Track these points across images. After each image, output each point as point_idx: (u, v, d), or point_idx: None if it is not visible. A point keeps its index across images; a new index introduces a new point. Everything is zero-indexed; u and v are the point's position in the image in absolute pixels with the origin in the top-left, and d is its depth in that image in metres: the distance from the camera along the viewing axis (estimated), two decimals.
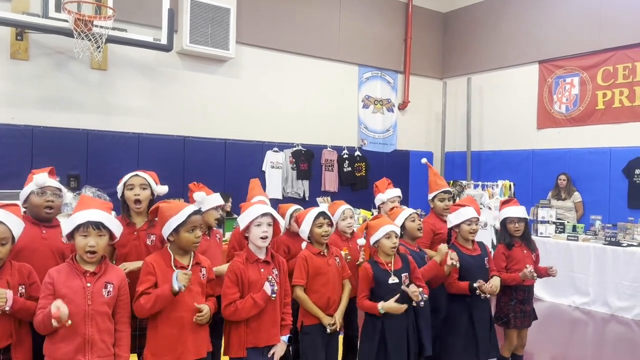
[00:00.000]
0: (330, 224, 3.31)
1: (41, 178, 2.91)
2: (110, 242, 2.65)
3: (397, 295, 3.15)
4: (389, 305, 3.14)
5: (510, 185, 8.12)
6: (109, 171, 6.41)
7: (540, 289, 7.23)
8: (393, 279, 3.22)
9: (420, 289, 3.18)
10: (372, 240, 3.28)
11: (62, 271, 2.50)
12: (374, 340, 3.19)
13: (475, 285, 3.45)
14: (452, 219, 3.68)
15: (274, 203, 4.29)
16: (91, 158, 6.86)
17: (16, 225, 2.53)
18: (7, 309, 2.36)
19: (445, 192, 4.20)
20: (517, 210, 3.93)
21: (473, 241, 3.70)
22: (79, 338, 2.43)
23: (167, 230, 2.74)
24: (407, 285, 3.21)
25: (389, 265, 3.27)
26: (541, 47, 9.08)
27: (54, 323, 2.31)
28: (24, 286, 2.53)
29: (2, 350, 2.47)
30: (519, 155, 9.31)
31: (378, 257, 3.28)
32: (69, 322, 2.35)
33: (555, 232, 7.34)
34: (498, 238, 4.13)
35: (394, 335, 3.19)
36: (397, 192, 4.37)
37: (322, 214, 3.29)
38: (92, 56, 6.09)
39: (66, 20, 5.82)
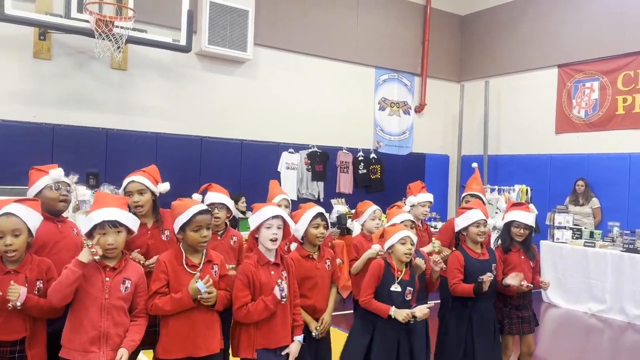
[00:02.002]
0: (327, 227, 3.23)
1: (58, 172, 2.97)
2: (129, 236, 2.70)
3: (412, 311, 3.13)
4: (402, 314, 3.09)
5: (527, 190, 8.05)
6: (127, 170, 6.35)
7: (555, 295, 7.16)
8: (396, 287, 3.17)
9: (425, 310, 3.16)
10: (387, 245, 3.24)
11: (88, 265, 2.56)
12: (364, 341, 3.18)
13: (480, 278, 3.39)
14: (460, 222, 3.65)
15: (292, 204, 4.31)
16: (110, 156, 6.97)
17: (33, 219, 2.58)
18: (18, 304, 2.42)
19: (471, 195, 4.25)
20: (526, 216, 3.78)
21: (482, 245, 3.65)
22: (95, 330, 2.49)
23: (175, 228, 2.79)
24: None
25: (399, 273, 3.22)
26: (561, 50, 8.98)
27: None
28: (42, 281, 2.59)
29: (18, 342, 2.53)
30: (537, 160, 9.21)
31: (391, 261, 3.26)
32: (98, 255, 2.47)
33: (572, 238, 7.25)
34: (496, 239, 4.00)
35: (385, 341, 3.17)
36: (429, 197, 4.34)
37: (320, 214, 3.20)
38: (112, 56, 6.19)
39: (88, 21, 5.92)
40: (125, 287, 2.59)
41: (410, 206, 4.26)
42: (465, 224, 3.60)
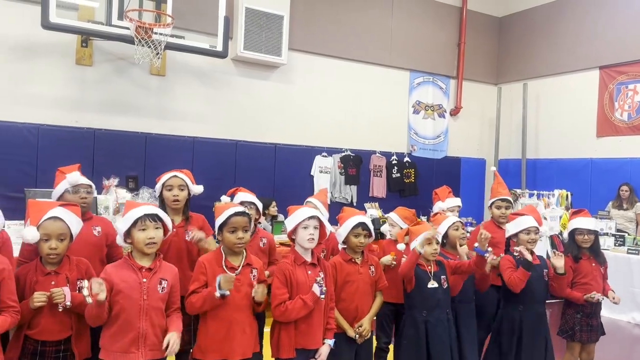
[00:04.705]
0: (368, 235, 3.19)
1: (74, 177, 3.06)
2: (164, 237, 2.73)
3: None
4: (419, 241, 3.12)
5: (567, 195, 7.84)
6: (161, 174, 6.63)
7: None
8: (432, 284, 3.21)
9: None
10: (413, 245, 3.23)
11: (118, 267, 2.60)
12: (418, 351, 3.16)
13: (516, 249, 3.37)
14: (510, 228, 3.58)
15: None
16: (148, 160, 7.12)
17: (75, 224, 2.67)
18: (67, 304, 2.48)
19: (502, 199, 4.18)
20: (587, 222, 3.81)
21: (532, 252, 3.54)
22: (134, 332, 2.52)
23: (215, 229, 2.85)
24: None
25: (429, 268, 3.25)
26: (602, 52, 8.73)
27: (85, 294, 2.41)
28: (82, 281, 2.65)
29: (63, 341, 2.61)
30: (577, 164, 8.96)
31: (420, 260, 3.25)
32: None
33: (615, 245, 7.03)
34: (565, 250, 3.98)
35: (437, 344, 3.16)
36: (457, 201, 4.30)
37: (362, 224, 3.16)
38: (151, 62, 6.33)
39: (128, 28, 6.07)
40: (162, 288, 2.61)
41: (439, 212, 4.21)
42: (516, 231, 3.52)
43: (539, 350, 3.49)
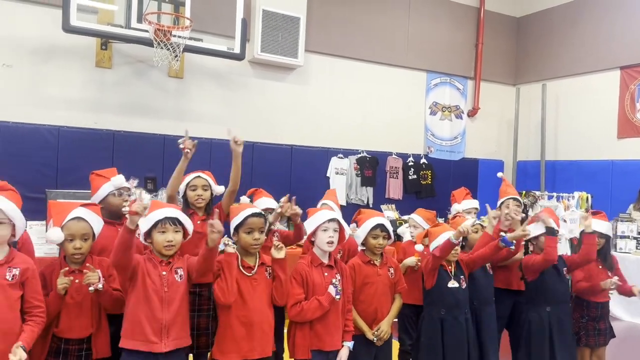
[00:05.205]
0: (387, 237, 3.19)
1: (119, 180, 3.11)
2: (184, 239, 2.77)
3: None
4: (458, 229, 3.08)
5: (587, 197, 7.73)
6: (184, 174, 6.68)
7: (618, 307, 6.81)
8: (453, 283, 3.21)
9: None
10: (432, 246, 3.23)
11: (145, 259, 2.66)
12: (437, 352, 3.14)
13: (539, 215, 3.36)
14: (532, 230, 3.53)
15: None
16: (167, 162, 7.16)
17: (97, 223, 2.73)
18: (100, 286, 2.53)
19: (513, 198, 4.11)
20: (602, 225, 3.74)
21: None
22: (157, 323, 2.56)
23: (231, 229, 2.87)
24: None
25: (450, 268, 3.25)
26: (623, 52, 8.58)
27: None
28: (104, 279, 2.69)
29: (85, 339, 2.65)
30: (597, 166, 8.82)
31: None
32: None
33: (636, 248, 6.92)
34: (574, 250, 3.94)
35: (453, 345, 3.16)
36: (475, 203, 4.27)
37: (381, 226, 3.16)
38: (170, 65, 6.40)
39: (147, 31, 6.14)
40: (180, 276, 2.67)
41: (456, 214, 4.18)
42: (536, 233, 3.51)
43: (572, 348, 3.51)
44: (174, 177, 3.34)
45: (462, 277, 3.29)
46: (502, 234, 3.32)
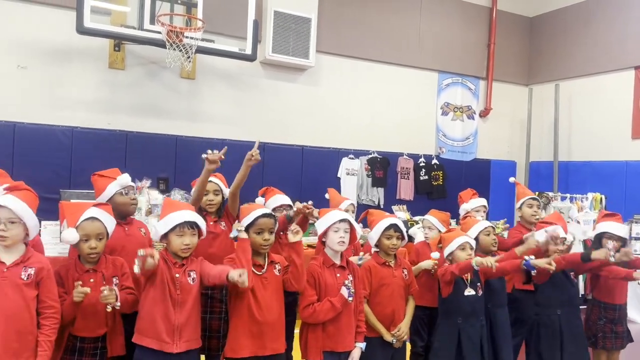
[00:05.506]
0: (401, 238, 3.17)
1: (125, 179, 3.13)
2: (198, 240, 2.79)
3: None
4: (481, 260, 3.04)
5: (601, 199, 7.65)
6: (195, 175, 6.61)
7: (634, 310, 6.73)
8: (469, 291, 3.17)
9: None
10: (446, 252, 3.21)
11: (161, 258, 2.66)
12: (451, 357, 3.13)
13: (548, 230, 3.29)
14: (538, 237, 3.50)
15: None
16: (179, 162, 7.21)
17: (110, 223, 2.75)
18: (118, 305, 2.53)
19: (532, 198, 4.15)
20: (619, 228, 3.64)
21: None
22: (170, 324, 2.58)
23: None
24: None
25: (465, 276, 3.21)
26: (637, 51, 8.48)
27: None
28: (117, 277, 2.74)
29: (100, 338, 2.67)
30: (611, 167, 8.73)
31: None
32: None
33: None
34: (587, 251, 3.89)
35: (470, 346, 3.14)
36: (482, 201, 4.25)
37: (394, 226, 3.14)
38: (182, 66, 6.43)
39: (159, 32, 6.18)
40: (193, 279, 2.69)
41: (465, 214, 4.15)
42: (544, 239, 3.45)
43: (584, 351, 3.47)
44: (199, 189, 3.28)
45: (478, 284, 3.26)
46: (527, 257, 3.24)
